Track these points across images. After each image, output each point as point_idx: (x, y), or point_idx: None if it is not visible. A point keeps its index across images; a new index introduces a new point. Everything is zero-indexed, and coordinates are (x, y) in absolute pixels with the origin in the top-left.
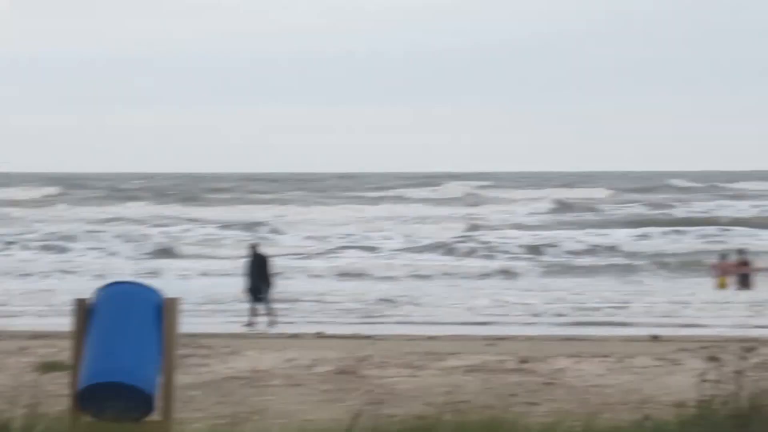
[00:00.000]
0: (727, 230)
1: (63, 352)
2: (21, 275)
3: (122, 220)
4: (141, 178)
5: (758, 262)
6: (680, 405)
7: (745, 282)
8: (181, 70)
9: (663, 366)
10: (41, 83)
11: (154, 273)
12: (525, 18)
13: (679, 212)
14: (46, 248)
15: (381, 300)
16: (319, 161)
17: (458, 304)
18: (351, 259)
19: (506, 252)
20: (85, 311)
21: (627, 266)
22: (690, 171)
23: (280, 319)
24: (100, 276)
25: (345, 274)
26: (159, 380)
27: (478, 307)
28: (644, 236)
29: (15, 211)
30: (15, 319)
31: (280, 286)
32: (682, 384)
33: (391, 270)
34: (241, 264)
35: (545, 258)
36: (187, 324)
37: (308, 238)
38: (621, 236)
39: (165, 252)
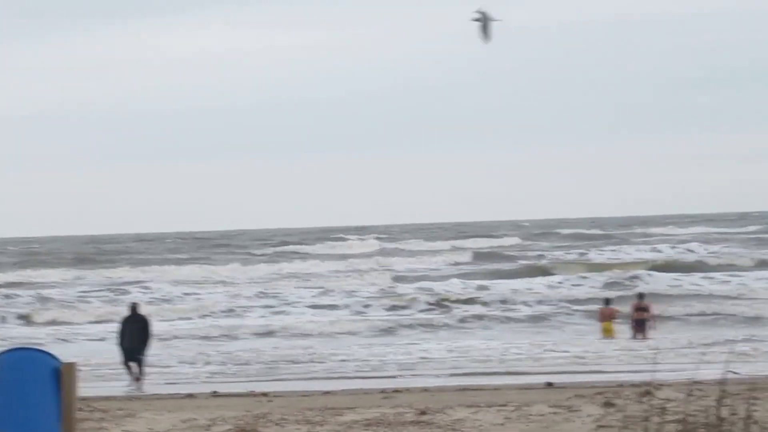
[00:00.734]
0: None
1: None
2: None
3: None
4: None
5: (654, 308)
6: None
7: (640, 327)
8: None
9: (560, 413)
10: None
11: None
12: (386, 66)
13: (594, 257)
14: None
15: (279, 357)
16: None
17: (359, 358)
18: (257, 318)
19: (420, 303)
20: None
21: (533, 316)
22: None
23: (174, 379)
24: None
25: (256, 333)
26: None
27: (376, 360)
28: (557, 284)
29: None
30: None
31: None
32: (580, 430)
33: (294, 328)
34: (118, 324)
35: (458, 309)
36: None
37: (194, 295)
38: (535, 284)
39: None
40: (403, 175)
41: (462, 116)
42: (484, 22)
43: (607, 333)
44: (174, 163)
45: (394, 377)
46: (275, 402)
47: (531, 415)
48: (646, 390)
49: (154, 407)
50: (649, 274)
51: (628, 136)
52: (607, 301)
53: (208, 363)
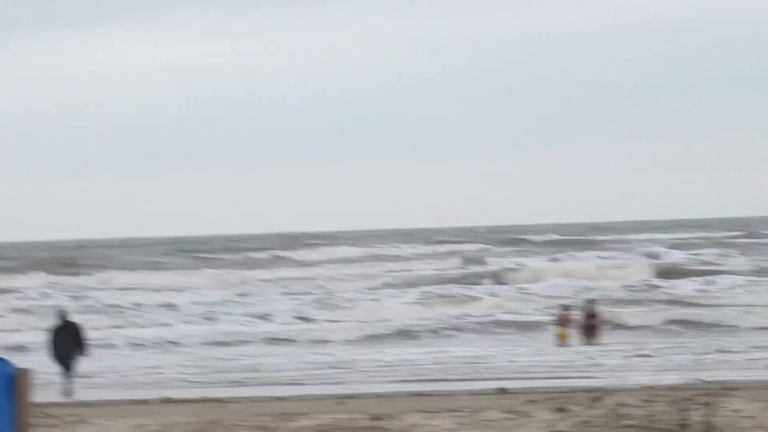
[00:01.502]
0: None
1: None
2: None
3: None
4: None
5: (605, 314)
6: None
7: (591, 333)
8: None
9: (513, 419)
10: None
11: None
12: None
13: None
14: None
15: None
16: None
17: (309, 366)
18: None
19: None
20: None
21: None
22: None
23: (126, 386)
24: None
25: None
26: None
27: (328, 367)
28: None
29: None
30: None
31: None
32: None
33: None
34: (47, 332)
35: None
36: None
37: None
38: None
39: None
40: (357, 182)
41: (418, 124)
42: None
43: (562, 338)
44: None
45: (344, 383)
46: (229, 408)
47: (484, 420)
48: (598, 395)
49: (106, 413)
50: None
51: (596, 143)
52: (565, 307)
53: (160, 370)
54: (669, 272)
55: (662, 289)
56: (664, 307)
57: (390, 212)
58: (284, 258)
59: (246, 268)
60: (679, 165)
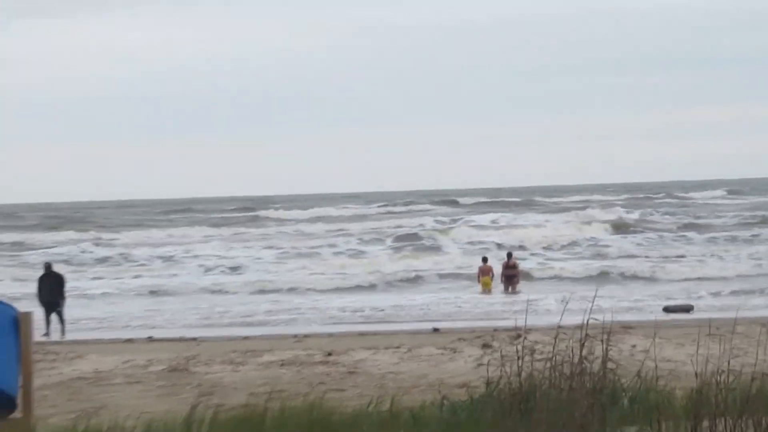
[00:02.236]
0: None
1: None
2: None
3: None
4: None
5: (521, 265)
6: (464, 386)
7: (511, 281)
8: None
9: (445, 354)
10: None
11: None
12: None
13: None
14: None
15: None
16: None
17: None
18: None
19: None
20: None
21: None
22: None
23: (113, 327)
24: None
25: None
26: (19, 383)
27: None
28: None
29: None
30: None
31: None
32: (462, 368)
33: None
34: (36, 282)
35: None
36: None
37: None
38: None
39: None
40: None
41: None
42: None
43: (485, 287)
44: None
45: (301, 323)
46: (203, 345)
47: (421, 355)
48: (518, 334)
49: (98, 351)
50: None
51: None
52: (485, 259)
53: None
54: (606, 229)
55: (597, 244)
56: (592, 261)
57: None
58: (266, 217)
59: (230, 225)
60: (571, 136)
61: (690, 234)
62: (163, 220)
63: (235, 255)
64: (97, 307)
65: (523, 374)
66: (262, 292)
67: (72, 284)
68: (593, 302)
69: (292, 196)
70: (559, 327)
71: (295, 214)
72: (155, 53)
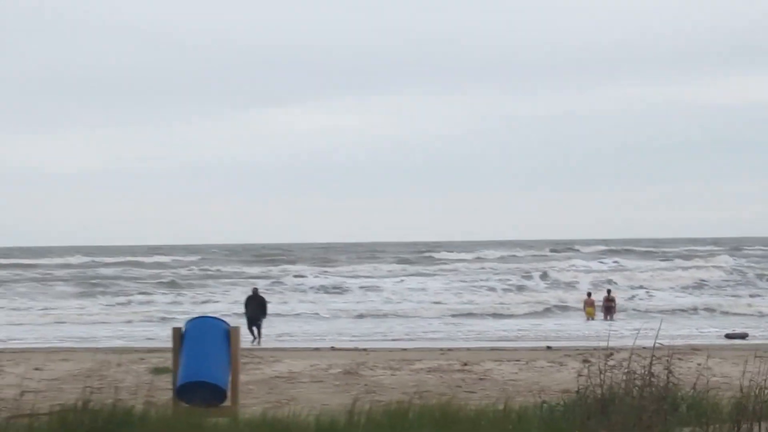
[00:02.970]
0: None
1: (168, 360)
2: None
3: None
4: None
5: (618, 299)
6: (565, 392)
7: (609, 311)
8: None
9: (554, 366)
10: None
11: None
12: None
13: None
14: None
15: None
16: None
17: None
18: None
19: None
20: (179, 335)
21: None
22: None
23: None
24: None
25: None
26: (229, 379)
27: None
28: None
29: None
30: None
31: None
32: (566, 378)
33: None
34: (244, 299)
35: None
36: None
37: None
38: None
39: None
40: None
41: None
42: None
43: (589, 315)
44: None
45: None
46: (371, 355)
47: (535, 367)
48: (610, 353)
49: (292, 356)
50: None
51: None
52: (589, 294)
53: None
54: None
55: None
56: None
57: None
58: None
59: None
60: None
61: None
62: (358, 259)
63: (411, 286)
64: (296, 324)
65: (606, 384)
66: (422, 317)
67: (289, 306)
68: (659, 329)
69: (457, 243)
70: (638, 347)
71: (461, 255)
72: (351, 133)
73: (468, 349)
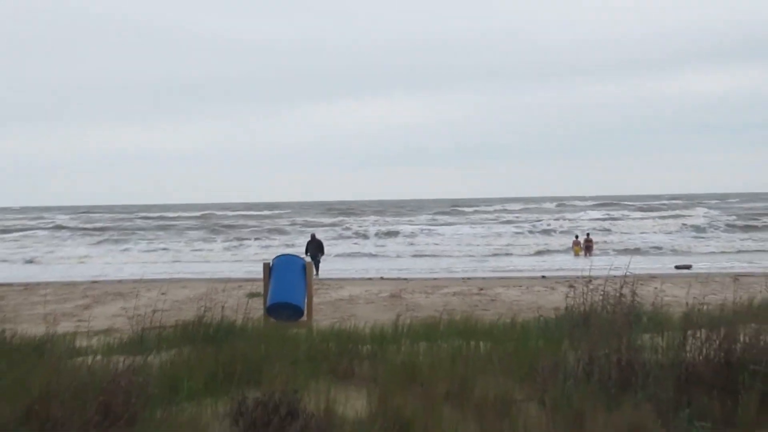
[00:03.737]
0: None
1: (259, 287)
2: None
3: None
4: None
5: (595, 240)
6: (556, 309)
7: (588, 249)
8: None
9: (548, 291)
10: None
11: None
12: None
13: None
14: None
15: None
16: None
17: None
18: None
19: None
20: (268, 268)
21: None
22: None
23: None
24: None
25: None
26: (305, 300)
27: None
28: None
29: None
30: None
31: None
32: (557, 299)
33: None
34: (305, 242)
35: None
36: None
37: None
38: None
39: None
40: None
41: None
42: None
43: (576, 252)
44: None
45: (468, 270)
46: (410, 283)
47: (534, 291)
48: (590, 280)
49: (351, 284)
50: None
51: None
52: (576, 237)
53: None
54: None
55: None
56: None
57: None
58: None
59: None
60: None
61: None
62: (406, 211)
63: (443, 232)
64: (356, 259)
65: (587, 303)
66: (451, 256)
67: (352, 248)
68: (629, 263)
69: (481, 199)
70: (611, 276)
71: (483, 208)
72: (402, 120)
73: (483, 278)
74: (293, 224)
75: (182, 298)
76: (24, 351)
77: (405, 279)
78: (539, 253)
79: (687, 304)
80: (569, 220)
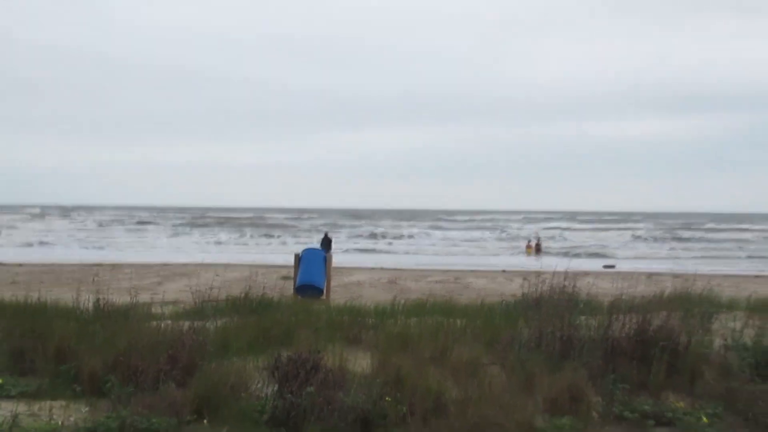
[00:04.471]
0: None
1: (290, 272)
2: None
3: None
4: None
5: (543, 243)
6: (514, 295)
7: (538, 250)
8: None
9: (507, 281)
10: None
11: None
12: None
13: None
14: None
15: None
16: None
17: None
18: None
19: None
20: (298, 258)
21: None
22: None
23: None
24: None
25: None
26: (325, 283)
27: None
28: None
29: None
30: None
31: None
32: (515, 288)
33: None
34: (318, 240)
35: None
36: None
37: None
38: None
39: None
40: None
41: None
42: None
43: (529, 253)
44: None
45: (452, 264)
46: (404, 272)
47: (497, 281)
48: (540, 274)
49: (359, 272)
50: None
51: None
52: (529, 240)
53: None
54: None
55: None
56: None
57: None
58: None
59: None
60: None
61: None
62: (401, 219)
63: (433, 234)
64: (364, 254)
65: (537, 291)
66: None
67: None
68: (569, 263)
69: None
70: (556, 272)
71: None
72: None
73: (459, 270)
74: (324, 225)
75: (231, 279)
76: (113, 316)
77: (400, 269)
78: (501, 252)
79: (613, 295)
80: (528, 228)
